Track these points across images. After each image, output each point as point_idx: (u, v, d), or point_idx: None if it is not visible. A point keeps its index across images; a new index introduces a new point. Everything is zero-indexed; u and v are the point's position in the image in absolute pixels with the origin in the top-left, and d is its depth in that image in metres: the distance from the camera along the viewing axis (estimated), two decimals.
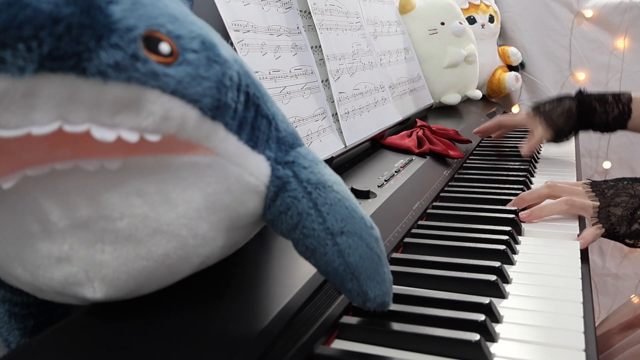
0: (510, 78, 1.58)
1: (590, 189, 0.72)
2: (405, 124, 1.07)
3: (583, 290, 0.53)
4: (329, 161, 0.74)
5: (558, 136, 1.03)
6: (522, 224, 0.71)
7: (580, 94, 1.02)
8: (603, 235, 0.68)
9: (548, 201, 0.74)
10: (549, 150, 1.18)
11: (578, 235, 0.67)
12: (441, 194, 0.82)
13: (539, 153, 1.15)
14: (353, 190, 0.67)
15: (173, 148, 0.33)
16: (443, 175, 0.88)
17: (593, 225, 0.68)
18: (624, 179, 0.72)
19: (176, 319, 0.39)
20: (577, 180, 0.95)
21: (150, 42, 0.30)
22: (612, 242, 1.16)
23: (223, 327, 0.38)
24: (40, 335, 0.38)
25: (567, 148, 1.16)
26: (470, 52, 1.34)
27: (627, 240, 0.68)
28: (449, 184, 0.88)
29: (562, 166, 1.06)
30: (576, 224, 0.71)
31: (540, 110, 1.04)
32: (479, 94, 1.41)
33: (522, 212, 0.73)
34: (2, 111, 0.27)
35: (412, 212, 0.70)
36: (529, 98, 1.75)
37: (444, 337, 0.42)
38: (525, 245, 0.66)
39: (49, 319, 0.49)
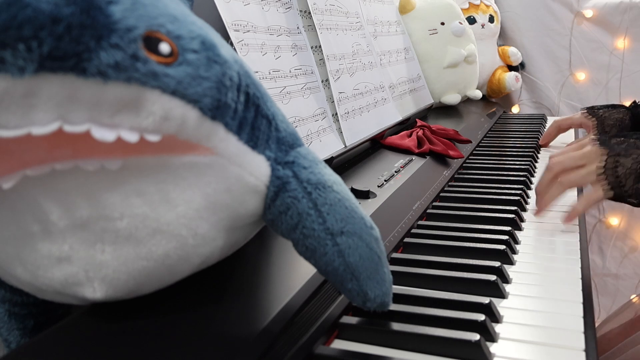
0: (510, 78, 1.58)
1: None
2: (405, 124, 1.07)
3: (583, 290, 0.53)
4: (329, 161, 0.74)
5: None
6: (522, 224, 0.72)
7: (636, 106, 1.01)
8: (608, 197, 0.64)
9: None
10: (549, 149, 1.18)
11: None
12: (441, 194, 0.82)
13: (538, 153, 1.15)
14: (353, 190, 0.67)
15: (173, 148, 0.33)
16: (443, 175, 0.88)
17: (598, 176, 0.65)
18: (633, 134, 0.68)
19: (176, 319, 0.39)
20: None
21: (150, 42, 0.30)
22: (612, 241, 1.15)
23: (223, 327, 0.38)
24: (40, 335, 0.38)
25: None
26: (470, 52, 1.34)
27: (632, 200, 0.64)
28: (449, 184, 0.88)
29: None
30: (577, 224, 0.71)
31: (595, 113, 1.04)
32: (479, 94, 1.41)
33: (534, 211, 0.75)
34: (2, 111, 0.27)
35: (412, 212, 0.70)
36: (528, 98, 1.75)
37: (444, 337, 0.42)
38: (525, 245, 0.66)
39: (49, 319, 0.49)
